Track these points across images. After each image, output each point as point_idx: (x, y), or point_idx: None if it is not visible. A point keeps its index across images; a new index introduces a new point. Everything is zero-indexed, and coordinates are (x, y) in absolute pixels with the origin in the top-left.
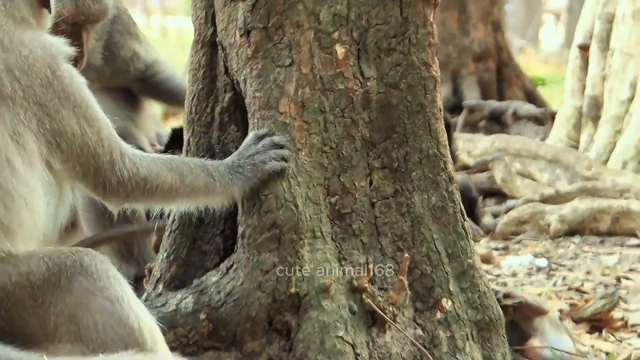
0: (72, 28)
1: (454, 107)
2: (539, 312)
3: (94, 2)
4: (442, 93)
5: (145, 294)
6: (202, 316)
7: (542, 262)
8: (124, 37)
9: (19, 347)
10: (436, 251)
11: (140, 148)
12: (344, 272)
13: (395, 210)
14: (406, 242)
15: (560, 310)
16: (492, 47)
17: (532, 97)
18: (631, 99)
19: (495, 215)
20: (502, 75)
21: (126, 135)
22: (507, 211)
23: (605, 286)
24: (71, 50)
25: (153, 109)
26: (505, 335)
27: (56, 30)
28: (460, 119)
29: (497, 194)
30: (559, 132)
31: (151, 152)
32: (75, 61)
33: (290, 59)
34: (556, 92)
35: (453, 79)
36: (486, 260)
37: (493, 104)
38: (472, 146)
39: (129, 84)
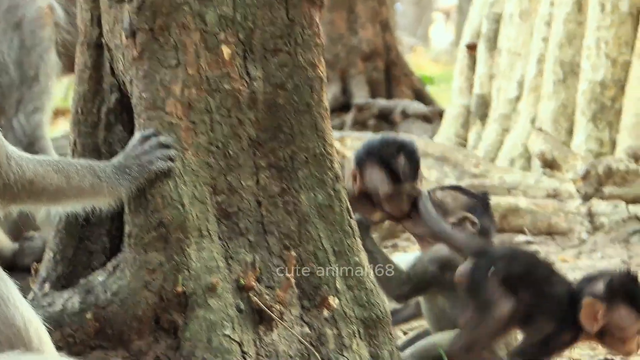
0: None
1: (343, 106)
2: None
3: None
4: (332, 92)
5: (31, 293)
6: (89, 315)
7: None
8: None
9: None
10: (323, 249)
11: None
12: (230, 270)
13: (282, 209)
14: (293, 240)
15: None
16: (380, 46)
17: (420, 96)
18: (518, 98)
19: None
20: (390, 75)
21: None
22: None
23: None
24: None
25: None
26: (392, 333)
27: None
28: (349, 118)
29: None
30: (447, 130)
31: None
32: None
33: (177, 59)
34: (445, 91)
35: (342, 79)
36: None
37: (382, 102)
38: (360, 145)
39: None
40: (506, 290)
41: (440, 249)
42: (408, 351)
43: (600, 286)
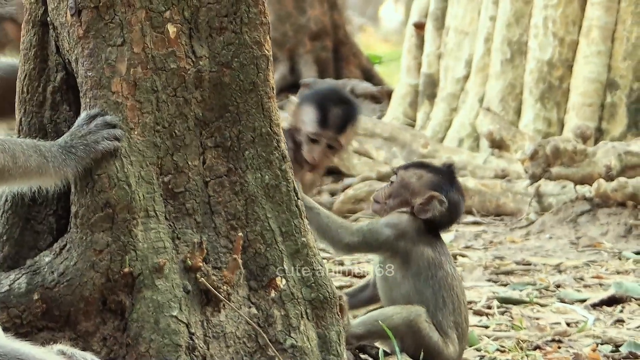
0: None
1: (291, 86)
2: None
3: None
4: (280, 72)
5: None
6: (36, 296)
7: None
8: None
9: None
10: (270, 230)
11: None
12: (177, 251)
13: (229, 189)
14: (240, 220)
15: None
16: (328, 25)
17: (369, 76)
18: (466, 77)
19: (333, 194)
20: (339, 54)
21: None
22: (344, 189)
23: None
24: None
25: None
26: (339, 314)
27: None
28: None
29: (334, 172)
30: (395, 110)
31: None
32: None
33: (122, 38)
34: (394, 70)
35: (290, 58)
36: None
37: (330, 82)
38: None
39: None
40: None
41: (400, 217)
42: (359, 319)
43: None
